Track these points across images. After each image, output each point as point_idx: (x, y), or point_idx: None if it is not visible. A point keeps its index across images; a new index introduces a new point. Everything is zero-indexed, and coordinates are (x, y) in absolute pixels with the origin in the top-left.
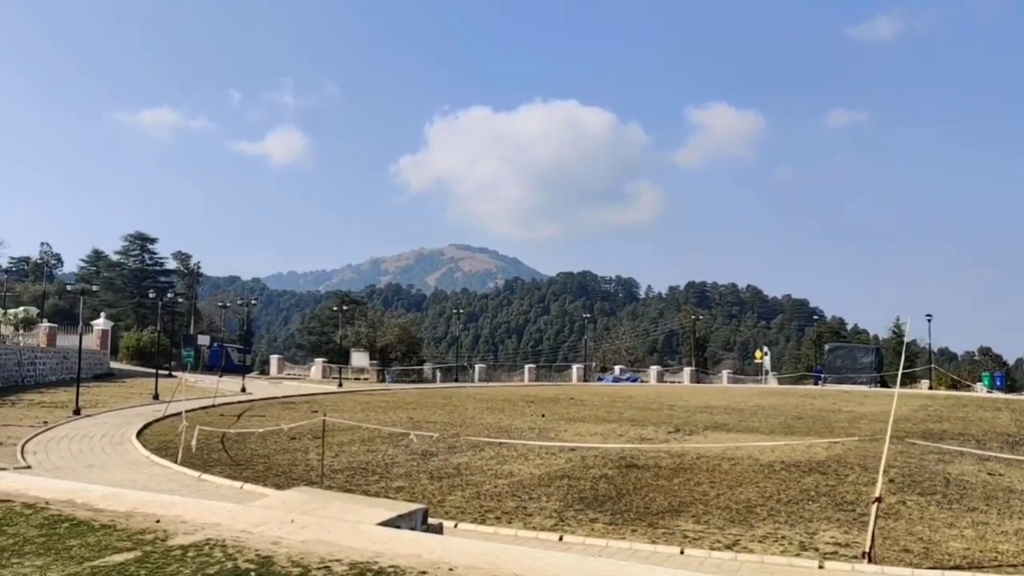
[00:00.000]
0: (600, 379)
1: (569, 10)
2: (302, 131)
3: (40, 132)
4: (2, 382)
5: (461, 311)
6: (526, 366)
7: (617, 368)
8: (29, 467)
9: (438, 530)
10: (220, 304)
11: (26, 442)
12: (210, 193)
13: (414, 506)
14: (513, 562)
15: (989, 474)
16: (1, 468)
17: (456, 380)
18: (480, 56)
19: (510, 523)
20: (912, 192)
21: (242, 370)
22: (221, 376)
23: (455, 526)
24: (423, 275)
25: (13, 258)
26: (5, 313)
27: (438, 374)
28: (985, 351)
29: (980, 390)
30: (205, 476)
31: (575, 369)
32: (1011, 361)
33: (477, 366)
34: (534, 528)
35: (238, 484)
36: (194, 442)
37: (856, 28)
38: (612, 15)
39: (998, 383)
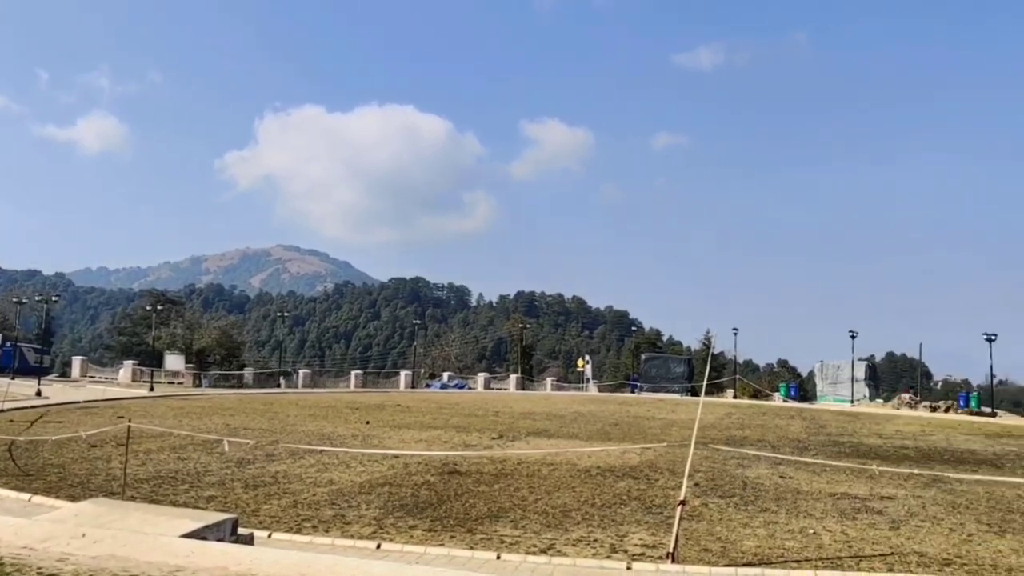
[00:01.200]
0: (428, 386)
1: (404, 14)
2: (119, 118)
3: None
4: None
5: (287, 314)
6: (353, 372)
7: (445, 375)
8: None
9: (249, 540)
10: (15, 300)
11: None
12: (10, 179)
13: (223, 516)
14: (325, 571)
15: (781, 477)
16: None
17: (279, 386)
18: (314, 53)
19: (327, 532)
20: (726, 212)
21: (39, 372)
22: (13, 378)
23: (269, 536)
24: (247, 276)
25: None
26: None
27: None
28: (783, 363)
29: (777, 399)
30: None
31: (403, 376)
32: (804, 373)
33: (301, 371)
34: (352, 536)
35: (25, 496)
36: None
37: (680, 56)
38: (445, 23)
39: (793, 393)
